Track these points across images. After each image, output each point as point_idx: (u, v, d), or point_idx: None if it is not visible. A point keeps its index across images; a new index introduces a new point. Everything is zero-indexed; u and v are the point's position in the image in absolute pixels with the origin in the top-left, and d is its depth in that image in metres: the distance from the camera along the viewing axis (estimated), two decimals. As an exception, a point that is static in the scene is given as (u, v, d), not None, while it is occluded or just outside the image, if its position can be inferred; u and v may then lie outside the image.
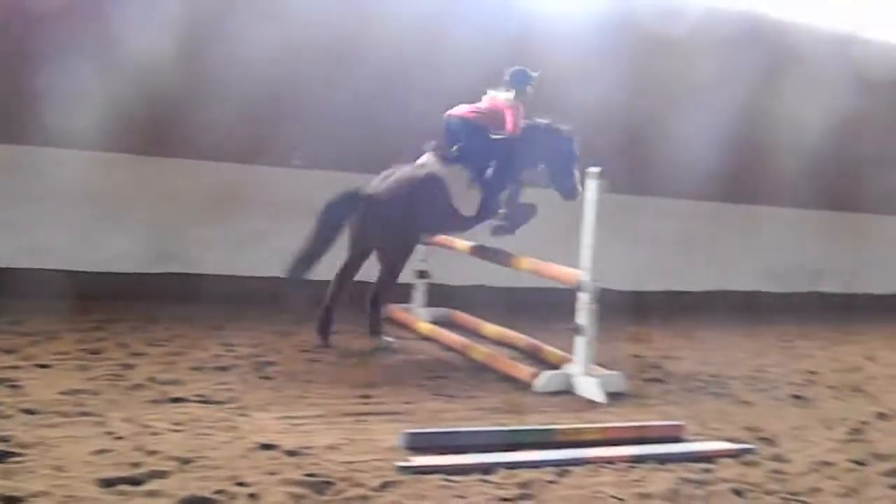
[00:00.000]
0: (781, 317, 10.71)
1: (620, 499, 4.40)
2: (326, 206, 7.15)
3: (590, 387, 6.36)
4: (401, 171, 7.32)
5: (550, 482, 4.56)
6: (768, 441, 5.64)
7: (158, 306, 7.97)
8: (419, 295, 8.65)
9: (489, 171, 7.38)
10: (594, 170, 6.42)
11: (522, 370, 6.68)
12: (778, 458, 5.30)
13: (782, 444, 5.61)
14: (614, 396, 6.41)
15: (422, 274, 8.64)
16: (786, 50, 11.33)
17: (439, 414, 5.71)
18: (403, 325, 8.34)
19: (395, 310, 8.61)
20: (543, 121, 7.50)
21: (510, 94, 7.37)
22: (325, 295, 7.37)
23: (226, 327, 7.63)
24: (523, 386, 6.52)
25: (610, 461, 4.92)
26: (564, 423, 5.60)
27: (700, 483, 4.70)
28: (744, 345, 8.94)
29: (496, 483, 4.47)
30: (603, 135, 8.85)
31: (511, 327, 7.98)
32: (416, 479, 4.42)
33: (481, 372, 6.91)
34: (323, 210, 7.16)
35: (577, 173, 7.30)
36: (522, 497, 4.35)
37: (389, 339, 7.55)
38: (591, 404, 6.24)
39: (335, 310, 7.38)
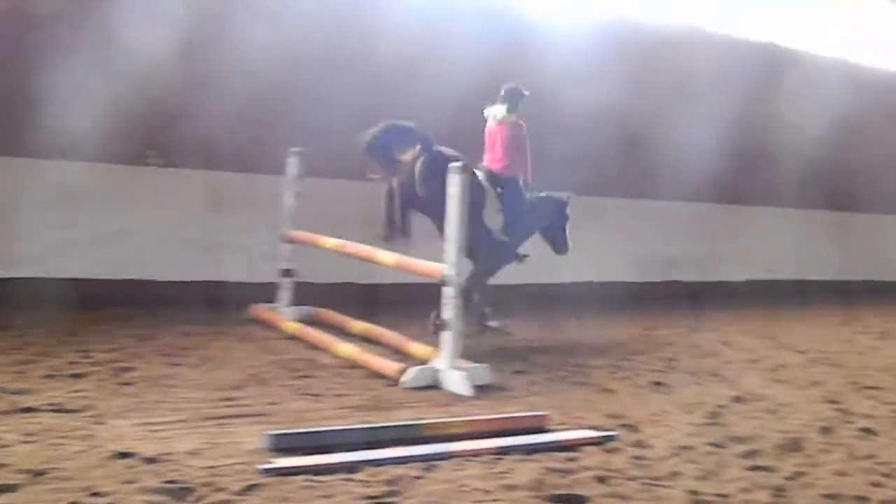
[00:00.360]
0: (644, 306, 11.00)
1: (486, 491, 4.41)
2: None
3: (456, 381, 6.37)
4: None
5: (417, 477, 4.53)
6: (631, 427, 5.76)
7: (9, 313, 7.62)
8: (285, 294, 8.53)
9: (518, 218, 8.26)
10: (457, 165, 6.42)
11: (389, 366, 6.64)
12: (640, 444, 5.41)
13: (644, 429, 5.73)
14: (481, 389, 6.44)
15: (287, 272, 8.52)
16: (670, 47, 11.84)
17: (304, 414, 5.62)
18: (269, 325, 8.21)
19: (260, 310, 8.47)
20: (548, 193, 8.69)
21: (504, 110, 8.13)
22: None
23: (81, 333, 7.35)
24: (390, 382, 6.49)
25: (476, 454, 4.93)
26: (431, 417, 5.58)
27: (564, 472, 4.75)
28: (607, 334, 9.13)
29: (362, 481, 4.42)
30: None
31: (379, 324, 7.94)
32: (279, 481, 4.33)
33: (348, 370, 6.84)
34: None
35: (568, 232, 8.84)
36: (389, 494, 4.31)
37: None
38: (458, 398, 6.25)
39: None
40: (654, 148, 11.97)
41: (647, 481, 4.74)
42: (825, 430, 6.01)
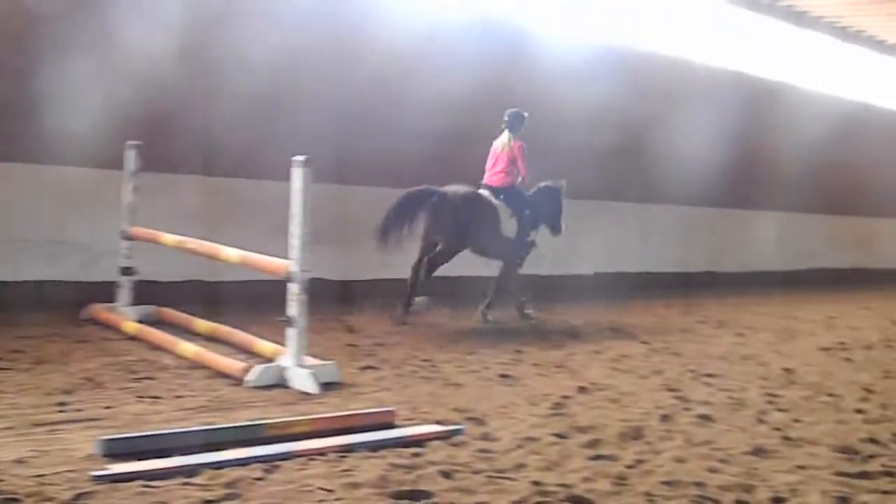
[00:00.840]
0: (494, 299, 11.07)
1: (329, 490, 4.33)
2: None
3: (302, 378, 6.26)
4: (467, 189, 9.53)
5: (258, 479, 4.42)
6: (477, 421, 5.77)
7: None
8: (125, 293, 8.22)
9: (525, 214, 9.84)
10: (300, 158, 6.30)
11: (233, 365, 6.48)
12: (485, 437, 5.43)
13: (490, 422, 5.75)
14: (328, 386, 6.36)
15: (127, 270, 8.22)
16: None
17: (143, 417, 5.41)
18: (108, 325, 7.91)
19: (98, 310, 8.15)
20: (548, 183, 10.17)
21: (507, 138, 9.72)
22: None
23: None
24: (235, 382, 6.33)
25: (321, 453, 4.85)
26: (274, 417, 5.46)
27: (409, 468, 4.71)
28: (456, 328, 9.16)
29: (200, 485, 4.27)
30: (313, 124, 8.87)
31: (224, 322, 7.74)
32: (112, 488, 4.15)
33: (191, 370, 6.65)
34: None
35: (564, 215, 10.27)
36: (228, 497, 4.18)
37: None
38: (304, 396, 6.15)
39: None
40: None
41: (492, 474, 4.75)
42: (665, 418, 6.17)
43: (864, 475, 5.24)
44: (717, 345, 9.37)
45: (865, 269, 18.88)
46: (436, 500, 4.32)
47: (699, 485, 4.84)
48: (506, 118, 9.77)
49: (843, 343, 10.01)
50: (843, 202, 18.61)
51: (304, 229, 6.29)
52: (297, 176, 6.29)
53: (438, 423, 5.61)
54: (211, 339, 7.52)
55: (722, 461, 5.30)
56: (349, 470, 4.63)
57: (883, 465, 5.44)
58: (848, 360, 9.05)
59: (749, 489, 4.84)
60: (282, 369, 6.38)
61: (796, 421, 6.38)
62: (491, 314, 9.87)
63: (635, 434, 5.71)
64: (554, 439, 5.48)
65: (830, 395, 7.32)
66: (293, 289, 6.36)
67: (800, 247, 17.56)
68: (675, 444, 5.56)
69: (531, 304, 10.21)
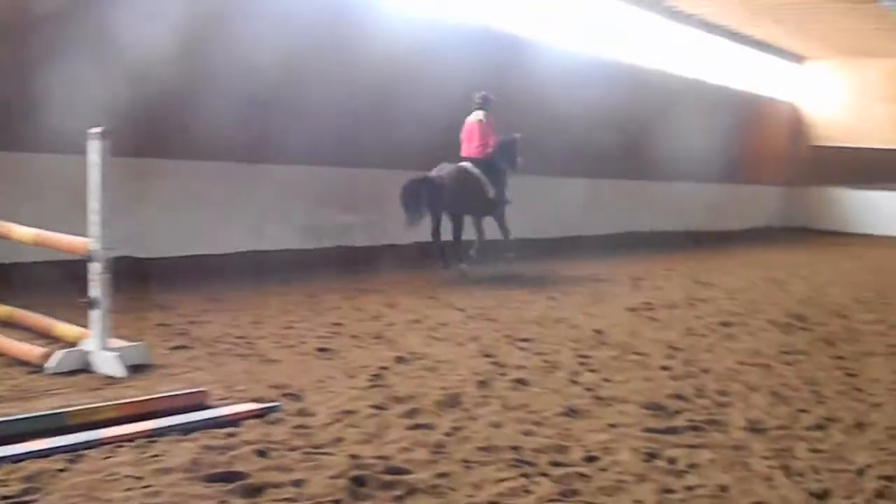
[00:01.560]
0: (312, 272, 10.95)
1: (137, 477, 4.14)
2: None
3: (108, 362, 5.96)
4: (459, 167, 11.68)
5: (61, 470, 4.18)
6: (294, 397, 5.66)
7: None
8: None
9: (498, 177, 12.01)
10: (96, 130, 5.94)
11: (31, 351, 6.10)
12: (302, 413, 5.33)
13: (307, 398, 5.66)
14: (137, 369, 6.08)
15: None
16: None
17: (-71, 411, 5.02)
18: None
19: None
20: (507, 136, 12.10)
21: (481, 113, 11.85)
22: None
23: None
24: (34, 369, 5.97)
25: (129, 439, 4.63)
26: (78, 404, 5.17)
27: (223, 449, 4.56)
28: (272, 303, 8.98)
29: (-5, 481, 4.00)
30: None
31: (23, 306, 7.28)
32: None
33: (-15, 358, 6.22)
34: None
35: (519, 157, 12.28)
36: (27, 492, 3.94)
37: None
38: (110, 381, 5.85)
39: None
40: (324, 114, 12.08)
41: (309, 450, 4.67)
42: (482, 384, 6.24)
43: (671, 430, 5.46)
44: (531, 309, 9.55)
45: (668, 232, 19.78)
46: (251, 480, 4.20)
47: (515, 448, 4.92)
48: (478, 99, 11.86)
49: (648, 303, 10.40)
50: (649, 168, 19.42)
51: (103, 205, 5.95)
52: (94, 149, 5.94)
53: (254, 401, 5.47)
54: (6, 325, 7.07)
55: (537, 424, 5.41)
56: (159, 455, 4.45)
57: (688, 420, 5.69)
58: (653, 319, 9.42)
59: (563, 450, 4.95)
60: (85, 353, 6.05)
61: (606, 381, 6.59)
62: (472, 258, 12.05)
63: (453, 402, 5.75)
64: (372, 411, 5.45)
65: (638, 353, 7.60)
66: (94, 268, 6.03)
67: (608, 212, 18.18)
68: (492, 410, 5.63)
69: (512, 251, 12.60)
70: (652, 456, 4.96)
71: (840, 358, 7.98)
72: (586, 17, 17.59)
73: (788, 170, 25.94)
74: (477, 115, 11.83)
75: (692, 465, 4.84)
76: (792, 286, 12.80)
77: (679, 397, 6.23)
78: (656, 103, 19.21)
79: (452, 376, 6.41)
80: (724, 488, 4.54)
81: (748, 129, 23.59)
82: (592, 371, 6.87)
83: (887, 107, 24.72)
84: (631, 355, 7.53)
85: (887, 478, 4.80)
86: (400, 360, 6.85)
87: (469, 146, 11.87)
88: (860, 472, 4.88)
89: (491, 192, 11.87)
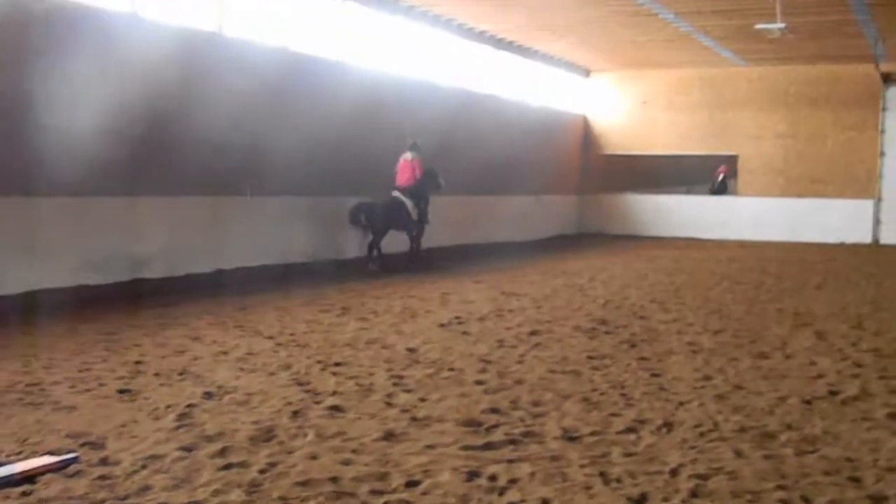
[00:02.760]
0: (106, 309, 10.39)
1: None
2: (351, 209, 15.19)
3: None
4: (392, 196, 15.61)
5: None
6: (94, 445, 5.30)
7: None
8: None
9: (422, 202, 15.84)
10: None
11: None
12: (105, 462, 4.99)
13: (109, 445, 5.31)
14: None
15: None
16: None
17: None
18: None
19: None
20: (428, 167, 15.90)
21: (410, 154, 15.65)
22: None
23: None
24: None
25: None
26: None
27: (17, 511, 4.20)
28: (64, 345, 8.41)
29: None
30: None
31: None
32: None
33: None
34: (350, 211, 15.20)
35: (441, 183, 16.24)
36: None
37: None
38: None
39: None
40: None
41: (116, 502, 4.36)
42: (296, 415, 6.05)
43: (489, 446, 5.45)
44: (342, 332, 9.39)
45: (476, 245, 20.07)
46: (48, 543, 3.87)
47: (334, 480, 4.77)
48: (410, 142, 15.83)
49: (459, 317, 10.46)
50: (454, 182, 19.65)
51: None
52: None
53: (50, 453, 5.07)
54: None
55: (355, 452, 5.28)
56: (-59, 525, 4.04)
57: (506, 434, 5.70)
58: (465, 333, 9.46)
59: (383, 477, 4.84)
60: None
61: (422, 400, 6.53)
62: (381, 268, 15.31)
63: (266, 436, 5.55)
64: (180, 454, 5.17)
65: (452, 369, 7.59)
66: None
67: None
68: (308, 441, 5.46)
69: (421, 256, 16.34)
70: (473, 475, 4.91)
71: (644, 359, 8.24)
72: (382, 36, 17.65)
73: (582, 179, 26.91)
74: (406, 156, 15.76)
75: (513, 481, 4.83)
76: (593, 291, 13.19)
77: (495, 411, 6.25)
78: (456, 120, 19.51)
79: (265, 409, 6.19)
80: (545, 502, 4.54)
81: (543, 141, 24.31)
82: (408, 391, 6.80)
83: (670, 115, 26.06)
84: (445, 372, 7.51)
85: (700, 476, 4.94)
86: (208, 395, 6.55)
87: (402, 177, 15.73)
88: (674, 473, 5.00)
89: (415, 214, 15.84)
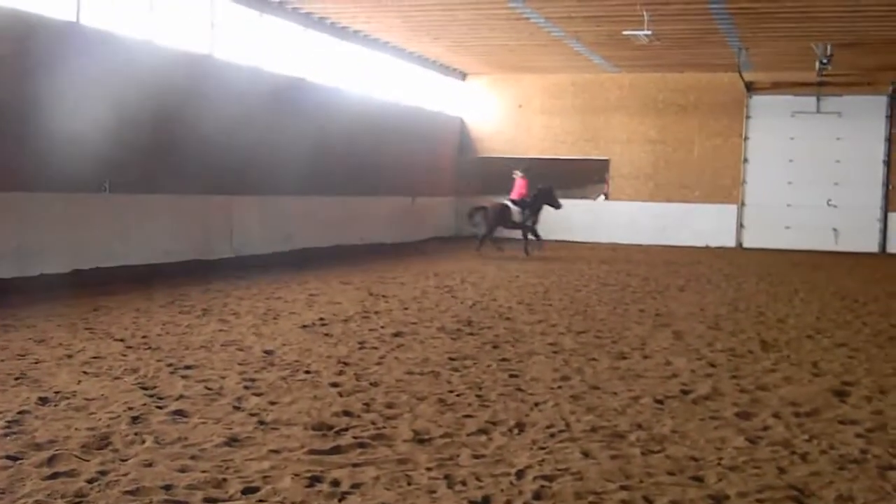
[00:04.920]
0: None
1: None
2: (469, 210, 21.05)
3: None
4: (503, 203, 20.81)
5: None
6: None
7: None
8: None
9: (527, 210, 20.81)
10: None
11: None
12: (-82, 474, 4.64)
13: (-73, 455, 4.95)
14: None
15: None
16: None
17: None
18: None
19: None
20: (541, 186, 20.87)
21: (522, 174, 20.95)
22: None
23: None
24: None
25: None
26: None
27: None
28: None
29: None
30: None
31: None
32: None
33: None
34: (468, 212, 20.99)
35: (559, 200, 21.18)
36: None
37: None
38: None
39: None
40: None
41: (-78, 517, 4.05)
42: (136, 420, 5.78)
43: (336, 450, 5.30)
44: (199, 334, 9.09)
45: (350, 246, 19.88)
46: None
47: (167, 488, 4.55)
48: (523, 166, 21.42)
49: (322, 319, 10.27)
50: (328, 183, 19.46)
51: None
52: None
53: None
54: None
55: (194, 458, 5.06)
56: None
57: (355, 437, 5.56)
58: (327, 335, 9.28)
59: (220, 484, 4.65)
60: None
61: (273, 403, 6.34)
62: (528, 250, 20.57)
63: (101, 443, 5.27)
64: (6, 462, 4.87)
65: (308, 372, 7.41)
66: None
67: (285, 228, 17.97)
68: (145, 448, 5.20)
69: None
70: (315, 480, 4.76)
71: (505, 360, 8.21)
72: (253, 33, 17.31)
73: (458, 181, 26.97)
74: (517, 174, 21.01)
75: (356, 486, 4.69)
76: (462, 293, 13.17)
77: (347, 414, 6.10)
78: (330, 120, 19.31)
79: (103, 414, 5.89)
80: (386, 506, 4.42)
81: (419, 143, 24.28)
82: (258, 395, 6.58)
83: (544, 119, 26.37)
84: (301, 374, 7.33)
85: (546, 478, 4.89)
86: (44, 401, 6.20)
87: (514, 192, 20.92)
88: (520, 475, 4.93)
89: (519, 218, 20.66)
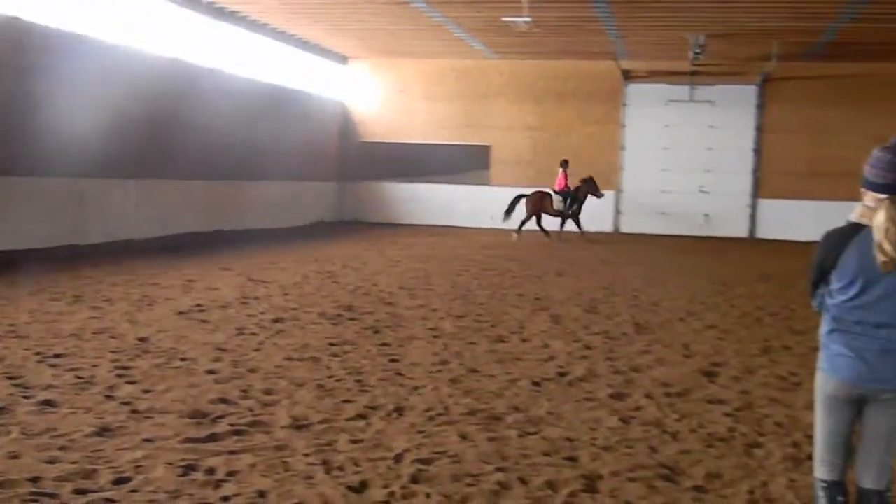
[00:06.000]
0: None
1: None
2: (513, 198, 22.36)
3: None
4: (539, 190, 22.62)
5: None
6: None
7: None
8: None
9: (568, 199, 22.24)
10: None
11: None
12: None
13: None
14: None
15: None
16: None
17: None
18: None
19: None
20: (584, 178, 22.19)
21: (563, 168, 22.34)
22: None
23: None
24: None
25: None
26: None
27: None
28: None
29: None
30: None
31: None
32: None
33: None
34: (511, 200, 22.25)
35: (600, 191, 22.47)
36: None
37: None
38: None
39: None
40: None
41: None
42: (1, 411, 5.57)
43: (212, 438, 5.23)
44: (69, 322, 8.81)
45: (230, 231, 19.57)
46: None
47: (34, 480, 4.43)
48: (563, 160, 22.61)
49: (200, 305, 10.08)
50: (209, 167, 19.07)
51: None
52: None
53: None
54: None
55: (62, 449, 4.92)
56: None
57: (232, 425, 5.50)
58: (204, 321, 9.12)
59: (90, 475, 4.54)
60: None
61: (147, 392, 6.21)
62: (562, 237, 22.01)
63: (-43, 436, 5.06)
64: None
65: (183, 359, 7.28)
66: None
67: (163, 213, 17.56)
68: (10, 439, 5.04)
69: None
70: (190, 468, 4.68)
71: (385, 345, 8.22)
72: (128, 13, 16.80)
73: (340, 166, 26.80)
74: (560, 169, 22.31)
75: (231, 473, 4.64)
76: (344, 278, 13.11)
77: (223, 401, 6.02)
78: (208, 102, 18.93)
79: (-36, 407, 5.67)
80: (262, 494, 4.38)
81: (301, 127, 24.02)
82: (132, 383, 6.43)
83: (426, 105, 26.40)
84: (176, 362, 7.19)
85: (423, 461, 4.93)
86: None
87: (556, 184, 22.26)
88: (398, 459, 4.96)
89: (559, 206, 22.02)
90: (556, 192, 22.24)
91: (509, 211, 22.26)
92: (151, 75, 17.07)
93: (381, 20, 20.28)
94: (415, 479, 4.65)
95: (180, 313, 9.53)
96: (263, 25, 21.35)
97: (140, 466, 4.67)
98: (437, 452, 5.09)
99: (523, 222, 22.16)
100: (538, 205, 22.14)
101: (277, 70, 22.95)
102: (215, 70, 19.67)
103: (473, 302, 11.13)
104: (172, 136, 17.71)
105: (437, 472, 4.75)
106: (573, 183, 22.30)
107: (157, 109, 17.25)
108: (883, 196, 3.46)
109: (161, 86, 17.33)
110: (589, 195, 22.23)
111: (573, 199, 22.23)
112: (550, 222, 22.37)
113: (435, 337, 8.71)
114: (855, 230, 3.52)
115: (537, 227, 22.19)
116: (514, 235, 21.79)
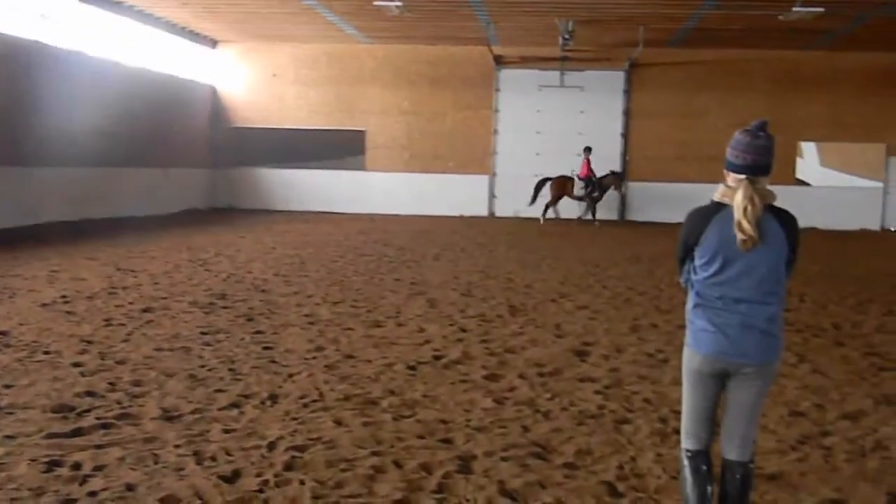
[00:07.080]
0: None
1: None
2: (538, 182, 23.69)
3: None
4: (563, 175, 24.07)
5: None
6: None
7: None
8: None
9: (590, 186, 23.59)
10: None
11: None
12: None
13: None
14: None
15: None
16: None
17: None
18: None
19: None
20: (613, 170, 24.19)
21: (586, 154, 23.49)
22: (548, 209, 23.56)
23: None
24: None
25: None
26: None
27: None
28: None
29: None
30: None
31: None
32: None
33: None
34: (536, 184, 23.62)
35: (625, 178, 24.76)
36: None
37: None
38: None
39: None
40: None
41: None
42: None
43: (78, 432, 5.08)
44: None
45: (97, 220, 18.96)
46: None
47: None
48: (585, 147, 23.47)
49: (65, 296, 9.76)
50: (74, 153, 18.41)
51: None
52: None
53: None
54: None
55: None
56: None
57: (98, 418, 5.35)
58: (69, 313, 8.83)
59: (-54, 475, 4.32)
60: None
61: (8, 387, 5.99)
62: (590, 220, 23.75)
63: None
64: None
65: (47, 352, 7.04)
66: None
67: (26, 201, 16.89)
68: None
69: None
70: (55, 464, 4.54)
71: (259, 333, 8.12)
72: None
73: (212, 152, 26.28)
74: (584, 155, 23.27)
75: (99, 468, 4.52)
76: (216, 266, 12.88)
77: (90, 394, 5.85)
78: (73, 86, 18.27)
79: None
80: (131, 487, 4.28)
81: (169, 112, 23.43)
82: (-8, 378, 6.18)
83: (299, 89, 26.10)
84: (40, 355, 6.94)
85: (297, 448, 4.89)
86: None
87: (581, 171, 23.26)
88: (271, 447, 4.91)
89: (580, 192, 23.20)
90: (579, 178, 23.35)
91: (535, 195, 23.32)
92: (7, 57, 16.37)
93: (252, 3, 19.95)
94: (289, 467, 4.61)
95: (44, 305, 9.20)
96: (129, 7, 20.71)
97: (2, 464, 4.50)
98: (311, 439, 5.06)
99: (548, 206, 23.47)
100: (562, 189, 23.34)
101: (145, 54, 22.32)
102: (79, 53, 19.00)
103: (350, 288, 11.09)
104: (32, 121, 17.04)
105: (312, 459, 4.73)
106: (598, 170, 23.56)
107: (16, 93, 16.58)
108: (742, 176, 3.59)
109: (19, 68, 16.65)
110: (612, 188, 23.62)
111: (595, 186, 23.35)
112: (565, 207, 24.08)
113: (310, 323, 8.64)
114: (717, 209, 3.64)
115: (545, 209, 23.59)
116: (542, 219, 23.56)
